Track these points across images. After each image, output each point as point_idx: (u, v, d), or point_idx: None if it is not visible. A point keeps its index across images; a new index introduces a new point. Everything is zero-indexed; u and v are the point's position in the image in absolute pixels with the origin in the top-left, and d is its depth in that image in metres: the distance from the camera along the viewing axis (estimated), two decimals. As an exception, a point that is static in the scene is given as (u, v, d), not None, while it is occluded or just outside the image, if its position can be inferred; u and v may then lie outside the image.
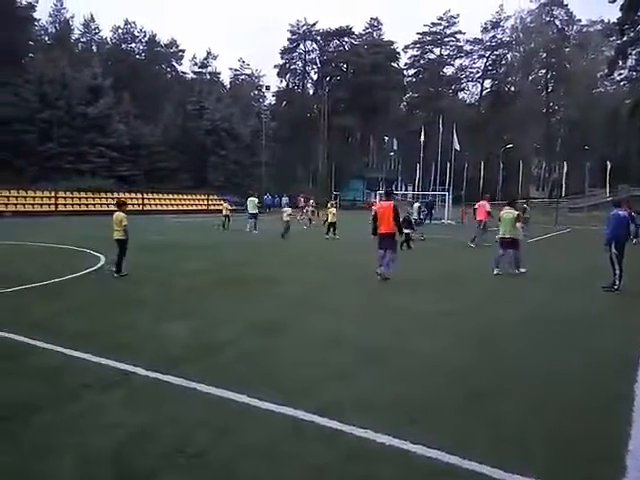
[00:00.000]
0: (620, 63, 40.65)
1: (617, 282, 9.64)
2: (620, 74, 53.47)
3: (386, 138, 68.32)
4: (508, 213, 11.75)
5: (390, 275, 10.31)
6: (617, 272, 9.65)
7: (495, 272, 11.50)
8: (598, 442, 3.61)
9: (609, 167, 58.95)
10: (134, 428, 3.65)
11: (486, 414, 4.04)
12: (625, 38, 37.35)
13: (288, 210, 21.50)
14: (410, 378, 4.80)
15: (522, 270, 11.54)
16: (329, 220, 20.52)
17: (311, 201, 29.51)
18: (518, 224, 11.74)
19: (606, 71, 50.14)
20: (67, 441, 3.47)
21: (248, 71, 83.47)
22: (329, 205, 21.95)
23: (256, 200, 23.99)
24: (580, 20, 78.15)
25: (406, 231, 15.87)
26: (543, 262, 14.18)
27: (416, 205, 22.46)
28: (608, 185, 58.74)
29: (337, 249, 16.95)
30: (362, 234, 17.23)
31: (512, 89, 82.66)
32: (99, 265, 11.47)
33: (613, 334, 6.72)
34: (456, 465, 3.21)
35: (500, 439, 3.59)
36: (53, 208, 36.40)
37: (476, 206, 19.12)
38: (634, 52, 38.20)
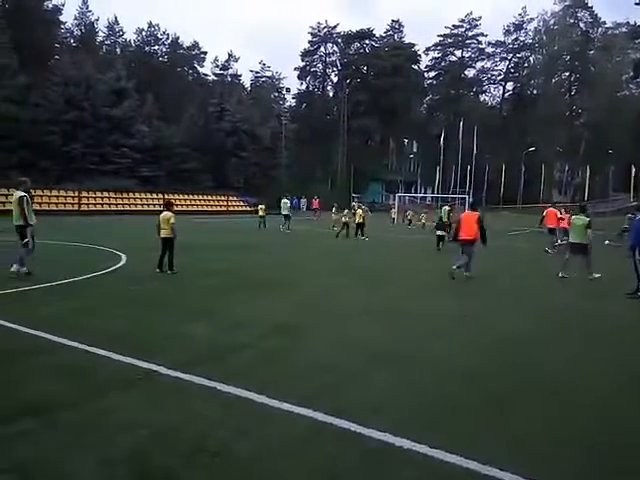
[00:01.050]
0: (646, 66, 39.91)
1: (641, 288, 9.46)
2: (646, 77, 52.56)
3: (406, 140, 68.06)
4: (579, 219, 11.73)
5: (473, 275, 11.08)
6: None
7: (560, 275, 11.53)
8: (628, 452, 3.55)
9: (634, 171, 57.87)
10: (155, 427, 3.70)
11: (506, 420, 4.01)
12: (652, 40, 36.68)
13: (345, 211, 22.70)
14: (429, 381, 4.78)
15: (596, 276, 11.33)
16: (357, 221, 21.43)
17: (334, 208, 29.57)
18: (589, 230, 11.52)
19: (631, 74, 49.28)
20: (90, 439, 3.53)
21: (268, 73, 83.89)
22: (357, 207, 23.41)
23: (288, 202, 25.72)
24: (605, 22, 76.72)
25: (439, 233, 18.17)
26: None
27: (445, 208, 23.31)
28: (632, 190, 57.65)
29: (363, 250, 16.93)
30: (385, 235, 17.18)
31: (535, 92, 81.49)
32: (121, 264, 11.64)
33: (636, 340, 6.61)
34: (475, 471, 3.19)
35: (521, 446, 3.56)
36: (77, 208, 37.06)
37: (545, 213, 19.07)
38: (661, 54, 37.52)
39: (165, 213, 10.71)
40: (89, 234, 19.40)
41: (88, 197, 38.56)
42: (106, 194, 39.94)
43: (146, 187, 43.34)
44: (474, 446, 3.49)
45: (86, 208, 37.41)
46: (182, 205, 44.49)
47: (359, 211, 21.99)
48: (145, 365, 4.91)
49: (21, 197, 9.55)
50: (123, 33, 70.16)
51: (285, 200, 25.43)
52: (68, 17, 73.05)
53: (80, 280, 9.54)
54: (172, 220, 10.58)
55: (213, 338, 6.05)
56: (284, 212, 24.86)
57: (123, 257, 12.56)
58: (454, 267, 11.03)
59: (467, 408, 4.21)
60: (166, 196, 42.98)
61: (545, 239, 18.56)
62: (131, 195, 41.69)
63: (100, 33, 68.07)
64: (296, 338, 6.19)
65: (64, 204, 36.73)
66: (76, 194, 37.66)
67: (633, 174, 57.69)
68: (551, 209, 18.93)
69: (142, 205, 41.62)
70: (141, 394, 4.30)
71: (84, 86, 43.71)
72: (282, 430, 3.71)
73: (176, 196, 44.54)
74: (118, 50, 67.80)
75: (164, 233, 10.57)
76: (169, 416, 3.90)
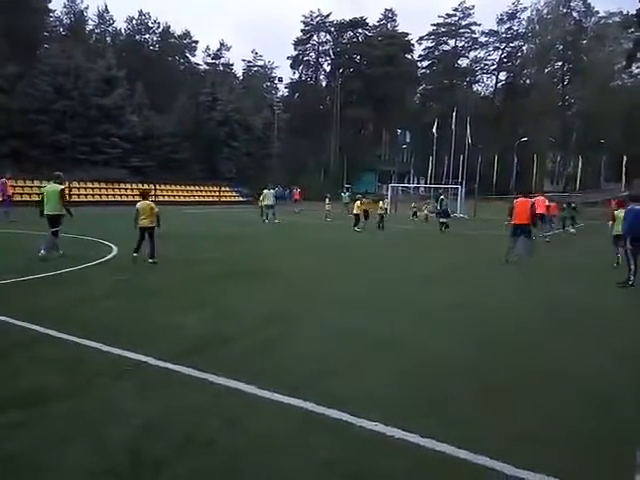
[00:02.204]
0: (638, 55, 39.88)
1: (632, 277, 9.51)
2: (638, 67, 52.72)
3: (399, 130, 67.95)
4: (622, 211, 11.63)
5: (529, 259, 11.79)
6: (632, 267, 9.53)
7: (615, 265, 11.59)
8: (612, 438, 3.56)
9: (625, 161, 58.14)
10: (146, 418, 3.67)
11: (498, 409, 4.01)
12: (644, 30, 36.70)
13: (357, 202, 22.50)
14: (421, 371, 4.78)
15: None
16: (355, 212, 21.74)
17: (327, 199, 29.34)
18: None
19: (624, 64, 49.30)
20: (81, 431, 3.49)
21: (261, 62, 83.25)
22: (377, 200, 25.00)
23: (273, 192, 25.04)
24: (598, 12, 76.60)
25: (443, 220, 22.14)
26: (557, 258, 14.05)
27: (441, 198, 25.80)
28: (624, 179, 57.96)
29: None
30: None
31: (527, 82, 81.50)
32: (112, 255, 11.55)
33: (628, 328, 6.65)
34: (467, 460, 3.18)
35: (512, 434, 3.56)
36: (67, 199, 36.68)
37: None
38: (653, 44, 37.56)
39: (146, 202, 10.57)
40: (79, 225, 19.17)
41: (78, 187, 38.18)
42: (97, 184, 39.60)
43: (137, 177, 42.99)
44: (466, 435, 3.48)
45: (76, 199, 36.98)
46: (173, 196, 44.24)
47: (357, 202, 22.16)
48: (135, 356, 4.87)
49: (62, 190, 10.94)
50: (113, 22, 69.25)
51: (267, 190, 24.58)
52: (57, 5, 72.25)
53: (70, 271, 9.45)
54: (156, 209, 10.50)
55: (204, 328, 6.00)
56: (268, 202, 24.13)
57: (114, 248, 12.46)
58: (509, 257, 11.98)
59: (460, 397, 4.21)
60: (157, 186, 42.83)
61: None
62: (122, 185, 41.34)
63: (90, 22, 67.10)
64: (287, 328, 6.17)
65: (54, 194, 36.38)
66: (66, 184, 37.26)
67: (624, 164, 57.96)
68: (540, 197, 19.86)
69: (133, 196, 41.24)
70: (131, 385, 4.26)
71: (73, 75, 43.16)
72: (273, 421, 3.68)
73: (167, 186, 44.32)
74: (108, 39, 66.88)
75: (145, 222, 10.41)
76: (160, 407, 3.86)
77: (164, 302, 7.39)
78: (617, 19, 69.35)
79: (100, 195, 39.20)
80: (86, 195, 38.27)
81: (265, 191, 24.63)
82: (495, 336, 6.06)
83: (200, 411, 3.80)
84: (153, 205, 10.56)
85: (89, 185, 39.08)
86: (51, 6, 56.22)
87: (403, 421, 3.63)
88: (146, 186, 41.68)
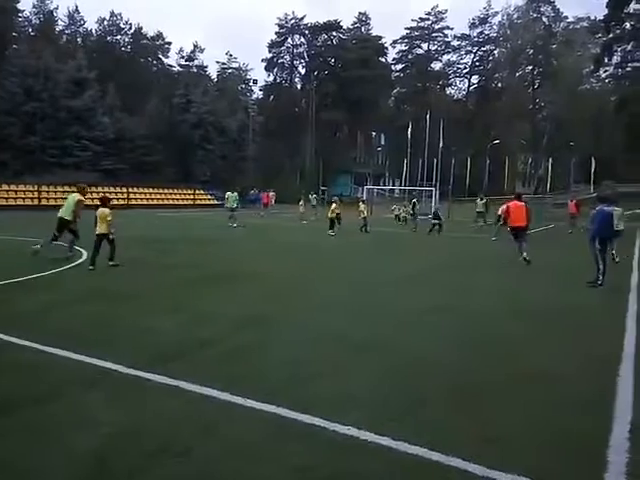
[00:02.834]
0: (606, 60, 40.97)
1: (601, 277, 9.72)
2: (605, 71, 54.09)
3: (374, 133, 68.39)
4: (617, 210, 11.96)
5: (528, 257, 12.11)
6: (601, 267, 9.74)
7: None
8: (581, 438, 3.62)
9: (594, 163, 59.57)
10: (115, 427, 3.59)
11: (470, 411, 4.04)
12: (611, 35, 37.64)
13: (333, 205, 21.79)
14: (396, 375, 4.79)
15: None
16: (330, 216, 20.98)
17: (301, 200, 29.33)
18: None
19: (592, 68, 50.53)
20: (47, 441, 3.40)
21: (235, 65, 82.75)
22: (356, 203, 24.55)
23: (236, 195, 24.07)
24: (567, 17, 78.59)
25: (435, 221, 22.52)
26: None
27: (414, 201, 26.14)
28: (592, 181, 59.35)
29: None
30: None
31: (499, 85, 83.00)
32: (82, 259, 11.33)
33: (597, 329, 6.78)
34: (439, 462, 3.20)
35: (483, 436, 3.59)
36: (37, 202, 35.92)
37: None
38: (619, 49, 38.55)
39: (101, 210, 10.55)
40: (50, 229, 18.83)
41: (48, 191, 37.37)
42: (67, 188, 38.74)
43: (109, 180, 42.31)
44: (439, 438, 3.50)
45: (46, 203, 36.24)
46: (146, 199, 43.65)
47: (333, 206, 21.31)
48: (106, 364, 4.77)
49: (80, 200, 11.61)
50: (84, 22, 68.28)
51: (229, 193, 23.95)
52: (26, 5, 70.62)
53: (39, 277, 9.24)
54: (109, 217, 10.47)
55: (178, 334, 5.92)
56: (231, 205, 23.38)
57: (84, 253, 12.21)
58: (521, 258, 12.27)
59: (434, 400, 4.23)
60: (130, 189, 42.22)
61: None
62: (93, 189, 40.57)
63: (60, 22, 66.01)
64: (261, 332, 6.12)
65: (23, 199, 35.57)
66: (36, 188, 36.48)
67: (593, 166, 59.37)
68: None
69: (106, 199, 40.62)
70: (101, 393, 4.17)
71: (43, 76, 42.30)
72: (246, 427, 3.64)
73: (140, 189, 43.68)
74: (79, 40, 65.79)
75: (100, 229, 10.43)
76: (130, 416, 3.79)
77: (137, 307, 7.27)
78: (585, 24, 71.15)
79: (71, 199, 38.41)
80: (56, 199, 37.35)
81: (228, 193, 24.01)
82: (472, 338, 6.12)
83: (173, 419, 3.74)
84: (107, 212, 10.50)
85: (59, 189, 38.23)
86: (20, 6, 55.14)
87: (376, 425, 3.63)
88: (115, 189, 41.26)
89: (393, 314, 7.25)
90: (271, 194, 38.76)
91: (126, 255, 11.65)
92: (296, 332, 6.16)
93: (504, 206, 13.80)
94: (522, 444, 3.49)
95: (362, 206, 23.14)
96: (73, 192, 12.11)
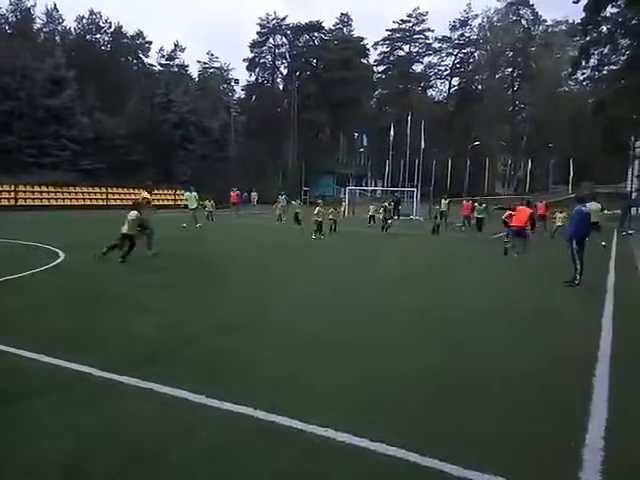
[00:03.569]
0: (583, 63, 41.55)
1: (578, 277, 9.83)
2: (583, 74, 54.79)
3: (356, 134, 68.55)
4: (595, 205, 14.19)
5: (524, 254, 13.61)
6: (578, 267, 9.84)
7: None
8: (557, 437, 3.63)
9: (572, 165, 60.55)
10: (87, 432, 3.50)
11: (447, 412, 4.04)
12: (588, 38, 38.17)
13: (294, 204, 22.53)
14: (373, 376, 4.76)
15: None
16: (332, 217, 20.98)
17: (280, 197, 29.09)
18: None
19: (570, 70, 51.23)
20: (15, 446, 3.30)
21: (217, 64, 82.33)
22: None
23: (195, 194, 23.35)
24: (546, 20, 79.94)
25: (390, 222, 22.58)
26: (508, 259, 14.42)
27: (390, 201, 26.12)
28: (571, 182, 60.32)
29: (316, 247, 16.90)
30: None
31: (479, 87, 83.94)
32: (58, 261, 11.12)
33: (573, 329, 6.85)
34: (416, 462, 3.18)
35: (460, 436, 3.58)
36: (13, 203, 35.23)
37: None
38: (596, 52, 39.12)
39: (132, 212, 11.44)
40: (26, 230, 18.51)
41: (25, 191, 36.67)
42: (45, 188, 38.14)
43: (87, 180, 41.67)
44: (416, 438, 3.48)
45: (23, 203, 35.58)
46: (126, 199, 43.10)
47: (317, 208, 20.10)
48: (77, 367, 4.65)
49: (145, 198, 12.69)
50: (62, 20, 67.26)
51: (188, 193, 23.13)
52: (2, 3, 69.11)
53: (13, 279, 9.01)
54: (134, 219, 11.27)
55: (152, 336, 5.81)
56: (192, 206, 22.62)
57: (61, 254, 12.01)
58: (515, 254, 14.03)
59: (412, 400, 4.22)
60: (109, 190, 41.60)
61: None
62: (72, 189, 39.97)
63: (38, 20, 64.90)
64: (239, 334, 6.04)
65: (-1, 198, 34.88)
66: (12, 188, 35.78)
67: (572, 167, 60.32)
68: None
69: (84, 200, 40.04)
70: (72, 398, 4.06)
71: (20, 75, 41.54)
72: (222, 431, 3.58)
73: (119, 190, 43.09)
74: (57, 38, 64.76)
75: (125, 229, 11.16)
76: (102, 420, 3.69)
77: (112, 310, 7.12)
78: (563, 27, 72.30)
79: (49, 199, 37.74)
80: (33, 199, 36.77)
81: (187, 193, 23.34)
82: (449, 338, 6.13)
83: (146, 423, 3.65)
84: (134, 216, 11.35)
85: (37, 189, 37.58)
86: (-5, 3, 54.04)
87: (354, 426, 3.60)
88: (94, 189, 40.70)
89: (370, 315, 7.23)
90: (253, 194, 38.29)
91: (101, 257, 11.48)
92: (272, 334, 6.09)
93: (509, 212, 15.00)
94: (499, 444, 3.49)
95: (318, 208, 20.12)
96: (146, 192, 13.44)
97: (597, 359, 5.38)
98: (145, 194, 12.98)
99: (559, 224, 20.58)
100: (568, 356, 5.54)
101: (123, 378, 4.42)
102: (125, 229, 11.21)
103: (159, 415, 3.80)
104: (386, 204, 24.23)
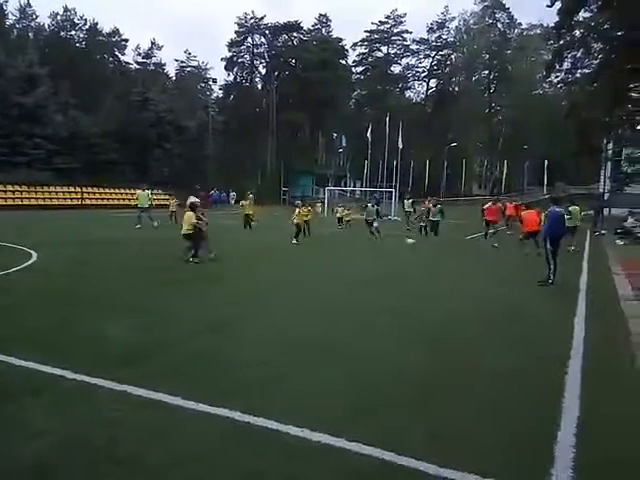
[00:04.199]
0: (557, 66, 42.25)
1: (552, 277, 10.01)
2: (557, 77, 55.83)
3: (335, 134, 68.66)
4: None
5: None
6: (552, 267, 10.02)
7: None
8: (529, 434, 3.70)
9: (546, 166, 61.60)
10: (59, 435, 3.44)
11: (421, 411, 4.07)
12: (561, 42, 38.82)
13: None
14: (351, 376, 4.78)
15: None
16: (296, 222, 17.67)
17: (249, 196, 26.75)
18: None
19: (544, 73, 52.11)
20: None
21: (194, 63, 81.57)
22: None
23: (147, 193, 22.79)
24: (521, 24, 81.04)
25: (375, 225, 19.86)
26: (483, 259, 14.61)
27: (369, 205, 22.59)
28: (545, 183, 61.35)
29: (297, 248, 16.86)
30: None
31: (456, 89, 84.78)
32: (31, 262, 10.91)
33: (547, 328, 6.97)
34: (391, 462, 3.20)
35: (434, 435, 3.62)
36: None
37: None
38: (570, 56, 39.79)
39: (188, 213, 12.10)
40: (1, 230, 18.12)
41: (-3, 191, 35.89)
42: (18, 188, 37.34)
43: (62, 180, 40.91)
44: (392, 438, 3.51)
45: (-5, 203, 34.82)
46: (101, 199, 42.51)
47: (297, 210, 18.28)
48: (51, 370, 4.57)
49: (192, 202, 12.62)
50: (36, 17, 65.85)
51: (140, 191, 22.60)
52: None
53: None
54: (193, 220, 11.91)
55: (128, 338, 5.73)
56: (143, 205, 22.10)
57: (34, 254, 11.77)
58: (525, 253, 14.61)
59: (388, 400, 4.25)
60: (84, 189, 40.90)
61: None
62: (46, 189, 39.23)
63: (10, 16, 63.44)
64: (223, 336, 6.01)
65: (-29, 198, 34.06)
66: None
67: (546, 169, 61.35)
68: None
69: (58, 199, 39.30)
70: (44, 401, 3.99)
71: (-8, 71, 40.63)
72: (197, 433, 3.55)
73: (94, 189, 42.43)
74: (30, 35, 63.41)
75: (184, 230, 11.87)
76: (74, 423, 3.64)
77: (87, 311, 7.01)
78: (538, 31, 73.35)
79: (22, 199, 36.97)
80: (6, 199, 35.97)
81: (138, 192, 22.90)
82: (423, 339, 6.18)
83: (120, 426, 3.61)
84: (192, 216, 11.99)
85: (9, 188, 36.77)
86: (-34, -2, 52.72)
87: (330, 426, 3.60)
88: (68, 189, 40.02)
89: (349, 316, 7.25)
90: (231, 194, 37.82)
91: (77, 257, 11.31)
92: (251, 335, 6.07)
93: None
94: (472, 441, 3.54)
95: (298, 210, 18.19)
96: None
97: (569, 357, 5.48)
98: (193, 198, 13.10)
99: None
100: (541, 355, 5.63)
101: (97, 381, 4.36)
102: (185, 229, 11.91)
103: (133, 417, 3.76)
104: (369, 205, 21.10)
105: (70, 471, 3.04)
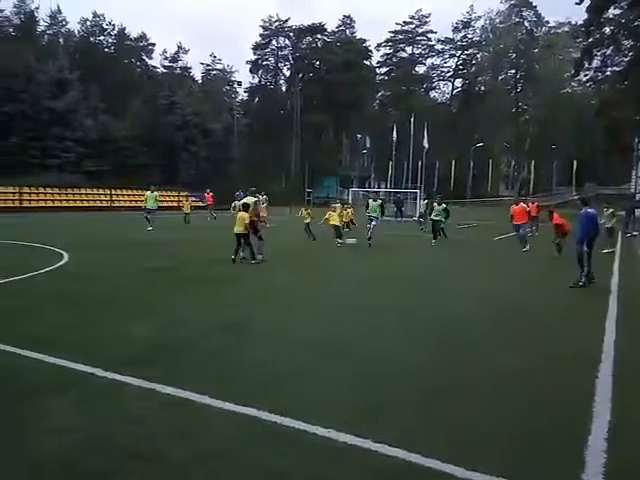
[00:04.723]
0: (586, 64, 41.52)
1: (583, 279, 9.78)
2: (586, 75, 54.75)
3: (359, 135, 68.57)
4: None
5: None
6: (585, 269, 9.78)
7: None
8: (559, 439, 3.62)
9: (575, 166, 60.39)
10: (87, 432, 3.50)
11: (446, 413, 4.03)
12: (591, 40, 38.14)
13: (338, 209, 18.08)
14: (372, 377, 4.76)
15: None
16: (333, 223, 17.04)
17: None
18: None
19: (573, 72, 51.19)
20: (15, 445, 3.31)
21: (220, 66, 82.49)
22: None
23: (155, 194, 22.22)
24: (548, 22, 79.73)
25: (374, 223, 17.36)
26: (512, 261, 14.39)
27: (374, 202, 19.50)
28: (574, 183, 60.16)
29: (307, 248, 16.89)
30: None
31: (482, 89, 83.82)
32: (62, 262, 11.16)
33: (576, 330, 6.83)
34: (418, 463, 3.17)
35: (462, 437, 3.58)
36: (17, 204, 35.37)
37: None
38: (599, 53, 39.06)
39: (241, 213, 12.09)
40: (30, 232, 18.58)
41: (30, 193, 36.83)
42: (49, 190, 38.27)
43: (91, 182, 41.81)
44: (416, 439, 3.47)
45: (28, 204, 35.73)
46: (130, 201, 43.22)
47: (336, 210, 17.62)
48: (80, 367, 4.67)
49: (254, 202, 12.68)
50: (66, 23, 67.40)
51: (149, 192, 22.02)
52: (6, 5, 69.42)
53: (18, 279, 9.06)
54: (247, 220, 11.90)
55: (154, 337, 5.82)
56: (150, 207, 21.73)
57: (65, 255, 12.05)
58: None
59: (408, 400, 4.22)
60: (113, 191, 41.65)
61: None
62: (76, 191, 40.12)
63: (42, 22, 65.15)
64: (240, 335, 6.05)
65: (4, 200, 34.98)
66: (17, 190, 35.91)
67: (575, 169, 60.15)
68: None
69: (88, 201, 40.17)
70: (74, 397, 4.08)
71: (24, 77, 41.73)
72: (224, 431, 3.58)
73: (123, 191, 43.16)
74: (61, 40, 64.99)
75: (236, 229, 11.93)
76: (103, 420, 3.70)
77: (115, 310, 7.15)
78: (566, 29, 72.09)
79: (53, 201, 37.88)
80: (38, 201, 36.91)
81: (147, 193, 22.23)
82: (444, 338, 6.12)
83: (147, 423, 3.66)
84: (246, 216, 11.95)
85: (41, 190, 37.73)
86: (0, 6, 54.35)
87: (355, 427, 3.59)
88: (98, 191, 40.81)
89: (361, 316, 7.22)
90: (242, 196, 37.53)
91: (105, 258, 11.54)
92: (272, 335, 6.09)
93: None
94: (500, 445, 3.48)
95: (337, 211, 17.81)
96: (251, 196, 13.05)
97: (600, 360, 5.36)
98: (247, 199, 12.94)
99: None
100: (571, 357, 5.52)
101: (125, 378, 4.43)
102: (237, 230, 11.96)
103: (161, 415, 3.81)
104: (370, 200, 19.08)
105: (96, 467, 3.08)
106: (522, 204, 17.14)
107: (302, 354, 5.39)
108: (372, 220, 17.22)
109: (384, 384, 4.57)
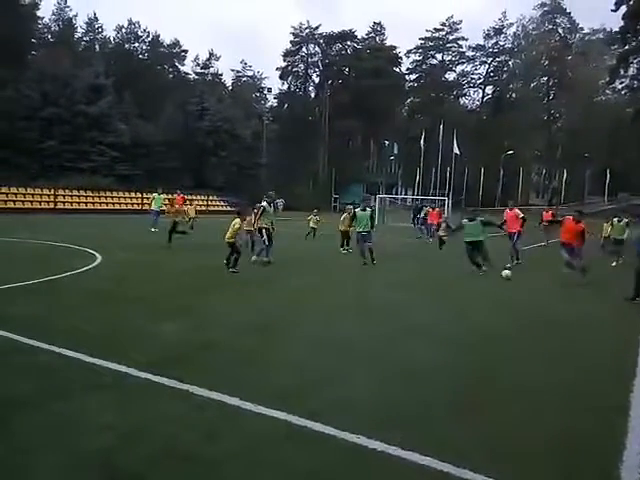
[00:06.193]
0: (622, 72, 40.66)
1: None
2: (622, 82, 53.59)
3: (387, 142, 68.37)
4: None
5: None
6: None
7: None
8: (593, 453, 3.56)
9: (609, 175, 59.03)
10: (123, 430, 3.59)
11: (479, 423, 3.99)
12: (627, 47, 37.29)
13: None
14: (403, 383, 4.75)
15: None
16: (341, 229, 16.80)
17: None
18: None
19: (608, 79, 50.15)
20: (52, 441, 3.41)
21: (250, 73, 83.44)
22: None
23: (162, 197, 22.02)
24: (583, 28, 78.20)
25: (441, 234, 18.24)
26: (545, 271, 14.14)
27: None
28: (607, 193, 58.81)
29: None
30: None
31: (514, 96, 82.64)
32: (96, 263, 11.43)
33: (613, 343, 6.69)
34: (449, 473, 3.16)
35: (494, 449, 3.54)
36: (52, 206, 36.38)
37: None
38: (636, 61, 38.21)
39: (235, 220, 11.51)
40: (64, 233, 19.05)
41: (64, 195, 37.87)
42: (83, 192, 39.27)
43: (124, 186, 42.75)
44: (446, 448, 3.45)
45: (62, 206, 36.73)
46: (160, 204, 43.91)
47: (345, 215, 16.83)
48: (115, 366, 4.78)
49: (259, 207, 12.52)
50: (102, 30, 69.16)
51: (156, 194, 22.08)
52: (46, 12, 71.70)
53: (53, 280, 9.31)
54: (236, 226, 11.36)
55: (187, 337, 5.94)
56: (156, 208, 21.60)
57: (98, 257, 12.33)
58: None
59: (438, 408, 4.19)
60: (144, 195, 42.49)
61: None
62: (108, 194, 41.07)
63: (79, 29, 67.06)
64: (271, 337, 6.12)
65: (39, 202, 36.05)
66: (52, 192, 36.95)
67: (608, 178, 58.81)
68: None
69: (120, 204, 41.07)
70: (110, 396, 4.18)
71: (61, 82, 43.00)
72: (255, 433, 3.63)
73: (154, 195, 43.85)
74: (97, 47, 66.73)
75: (227, 237, 11.34)
76: (138, 419, 3.79)
77: (148, 311, 7.30)
78: (601, 36, 70.70)
79: (86, 203, 38.86)
80: (72, 203, 37.94)
81: (154, 194, 22.40)
82: (475, 346, 6.06)
83: (180, 423, 3.73)
84: (237, 223, 11.38)
85: (75, 193, 38.74)
86: (39, 13, 56.24)
87: (384, 433, 3.59)
88: (130, 194, 41.61)
89: (397, 320, 7.20)
90: (278, 201, 37.94)
91: (137, 260, 11.75)
92: (302, 338, 6.13)
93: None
94: (533, 459, 3.43)
95: (345, 215, 16.94)
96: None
97: (636, 375, 5.24)
98: (263, 203, 12.77)
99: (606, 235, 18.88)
100: (606, 370, 5.42)
101: (159, 378, 4.52)
102: (227, 238, 11.61)
103: (194, 415, 3.88)
104: (357, 209, 14.67)
105: (128, 465, 3.15)
106: (516, 210, 15.32)
107: (333, 357, 5.41)
108: (365, 240, 13.47)
109: (416, 391, 4.56)
